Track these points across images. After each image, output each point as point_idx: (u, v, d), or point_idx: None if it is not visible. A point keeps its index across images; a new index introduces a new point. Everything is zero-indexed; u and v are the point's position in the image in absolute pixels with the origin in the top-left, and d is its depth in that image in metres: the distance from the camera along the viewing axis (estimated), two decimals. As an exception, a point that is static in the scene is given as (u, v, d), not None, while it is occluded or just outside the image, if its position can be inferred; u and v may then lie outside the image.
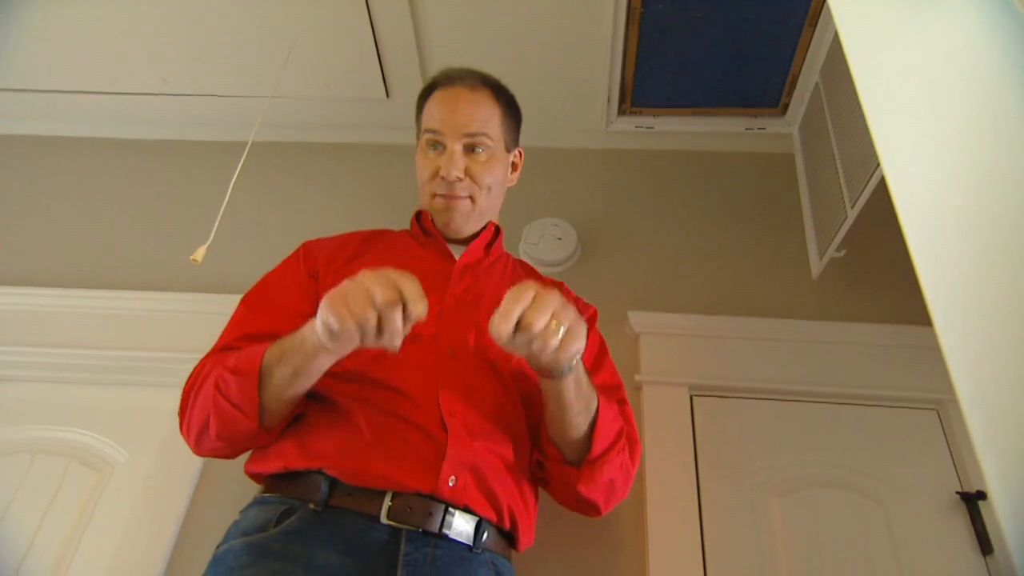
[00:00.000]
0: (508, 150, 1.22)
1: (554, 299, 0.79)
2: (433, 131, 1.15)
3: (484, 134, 1.14)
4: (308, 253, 1.14)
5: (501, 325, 0.76)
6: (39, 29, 1.80)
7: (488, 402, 0.99)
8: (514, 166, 1.27)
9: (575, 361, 0.85)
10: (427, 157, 1.17)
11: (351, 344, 0.80)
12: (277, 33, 1.79)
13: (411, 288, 0.76)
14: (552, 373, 0.87)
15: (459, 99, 1.16)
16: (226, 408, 0.88)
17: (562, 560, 1.32)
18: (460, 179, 1.13)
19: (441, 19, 1.79)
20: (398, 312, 0.76)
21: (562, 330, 0.79)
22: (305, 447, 0.91)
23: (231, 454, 0.99)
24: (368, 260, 1.13)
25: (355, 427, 0.91)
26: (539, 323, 0.77)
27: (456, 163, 1.12)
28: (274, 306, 1.06)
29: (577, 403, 0.91)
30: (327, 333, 0.78)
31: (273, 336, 1.01)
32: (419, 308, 0.76)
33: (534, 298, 0.78)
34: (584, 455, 0.95)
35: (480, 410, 0.97)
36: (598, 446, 0.94)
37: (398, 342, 0.77)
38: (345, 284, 0.79)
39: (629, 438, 1.02)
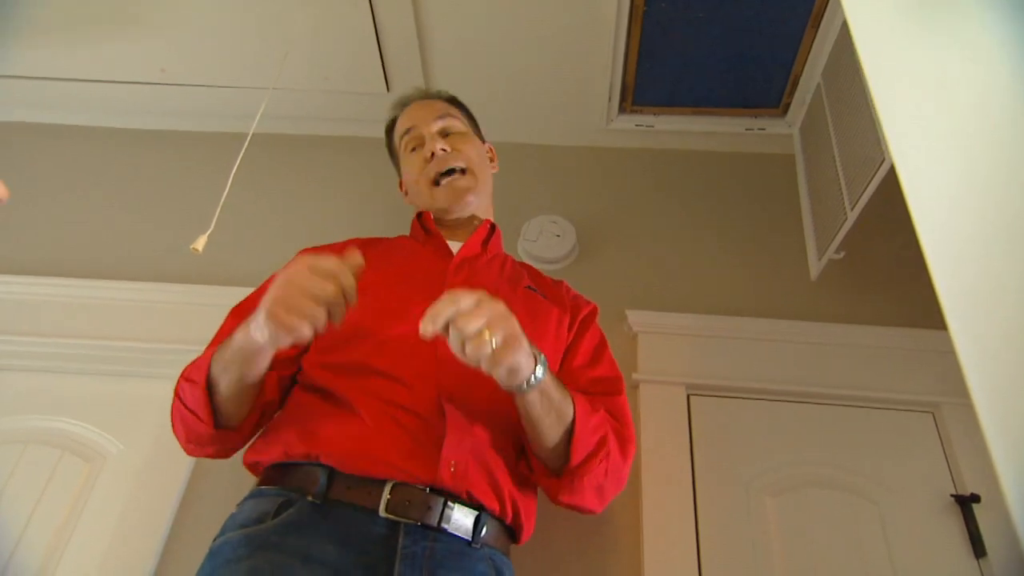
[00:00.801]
0: (480, 139, 1.36)
1: (494, 309, 0.78)
2: (409, 129, 1.30)
3: (451, 115, 1.32)
4: None
5: (426, 324, 0.75)
6: (35, 16, 1.78)
7: (486, 390, 0.98)
8: (490, 159, 1.39)
9: (533, 380, 0.84)
10: (412, 158, 1.28)
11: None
12: (278, 24, 1.78)
13: (346, 278, 0.79)
14: (511, 389, 0.86)
15: (419, 103, 1.34)
16: (186, 414, 0.94)
17: (557, 558, 1.31)
18: (446, 150, 1.22)
19: (443, 13, 1.78)
20: (342, 301, 0.78)
21: (495, 340, 0.77)
22: (304, 433, 0.92)
23: (214, 455, 1.02)
24: (368, 261, 1.14)
25: (354, 415, 0.92)
26: (469, 328, 0.75)
27: (437, 140, 1.24)
28: None
29: (546, 417, 0.90)
30: (274, 340, 0.79)
31: None
32: (352, 297, 0.79)
33: (474, 304, 0.77)
34: (564, 464, 0.95)
35: (478, 398, 0.96)
36: (576, 456, 0.93)
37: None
38: (279, 289, 0.78)
39: (620, 436, 1.01)
